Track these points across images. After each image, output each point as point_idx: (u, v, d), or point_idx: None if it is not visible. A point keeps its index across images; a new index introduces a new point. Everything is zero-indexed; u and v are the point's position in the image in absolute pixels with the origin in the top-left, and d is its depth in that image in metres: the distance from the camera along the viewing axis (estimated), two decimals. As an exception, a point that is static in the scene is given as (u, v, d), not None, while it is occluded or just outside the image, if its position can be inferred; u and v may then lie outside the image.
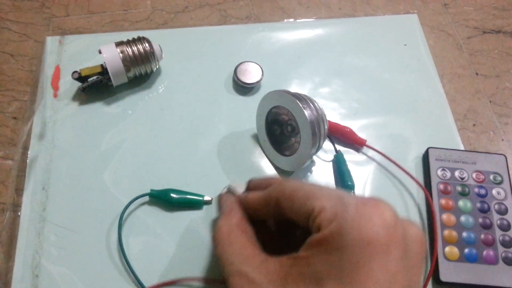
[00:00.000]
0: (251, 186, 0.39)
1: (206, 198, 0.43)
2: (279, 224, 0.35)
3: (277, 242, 0.34)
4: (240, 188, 0.39)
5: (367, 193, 0.45)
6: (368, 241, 0.24)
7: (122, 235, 0.41)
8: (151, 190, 0.42)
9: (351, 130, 0.48)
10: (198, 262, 0.41)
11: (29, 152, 0.46)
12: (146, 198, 0.43)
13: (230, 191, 0.39)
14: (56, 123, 0.47)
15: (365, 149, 0.48)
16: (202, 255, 0.41)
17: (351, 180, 0.45)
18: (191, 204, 0.43)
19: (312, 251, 0.26)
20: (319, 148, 0.42)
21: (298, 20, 0.58)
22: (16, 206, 0.43)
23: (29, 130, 0.47)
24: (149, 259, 0.40)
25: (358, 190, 0.45)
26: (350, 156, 0.47)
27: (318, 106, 0.41)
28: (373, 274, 0.24)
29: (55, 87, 0.50)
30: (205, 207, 0.44)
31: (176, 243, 0.41)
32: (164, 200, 0.43)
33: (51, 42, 0.53)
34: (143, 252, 0.41)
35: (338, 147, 0.48)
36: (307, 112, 0.39)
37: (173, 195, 0.43)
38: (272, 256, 0.29)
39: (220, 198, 0.38)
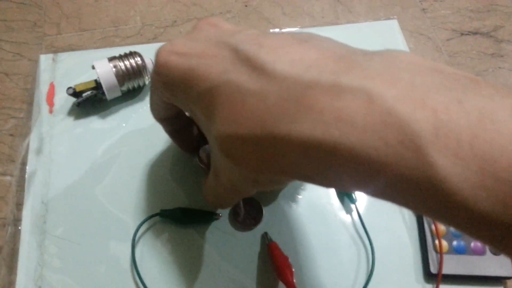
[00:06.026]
0: None
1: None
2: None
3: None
4: None
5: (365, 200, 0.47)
6: None
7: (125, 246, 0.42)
8: (161, 210, 0.43)
9: None
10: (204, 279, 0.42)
11: (27, 167, 0.47)
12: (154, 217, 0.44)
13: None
14: (52, 138, 0.49)
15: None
16: (211, 274, 0.42)
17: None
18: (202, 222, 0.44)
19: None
20: None
21: (283, 30, 0.60)
22: (17, 221, 0.44)
23: (26, 146, 0.48)
24: (156, 267, 0.42)
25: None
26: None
27: None
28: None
29: (50, 104, 0.51)
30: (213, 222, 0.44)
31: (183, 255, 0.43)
32: (174, 219, 0.43)
33: (44, 60, 0.54)
34: (146, 260, 0.42)
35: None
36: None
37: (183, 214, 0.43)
38: None
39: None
